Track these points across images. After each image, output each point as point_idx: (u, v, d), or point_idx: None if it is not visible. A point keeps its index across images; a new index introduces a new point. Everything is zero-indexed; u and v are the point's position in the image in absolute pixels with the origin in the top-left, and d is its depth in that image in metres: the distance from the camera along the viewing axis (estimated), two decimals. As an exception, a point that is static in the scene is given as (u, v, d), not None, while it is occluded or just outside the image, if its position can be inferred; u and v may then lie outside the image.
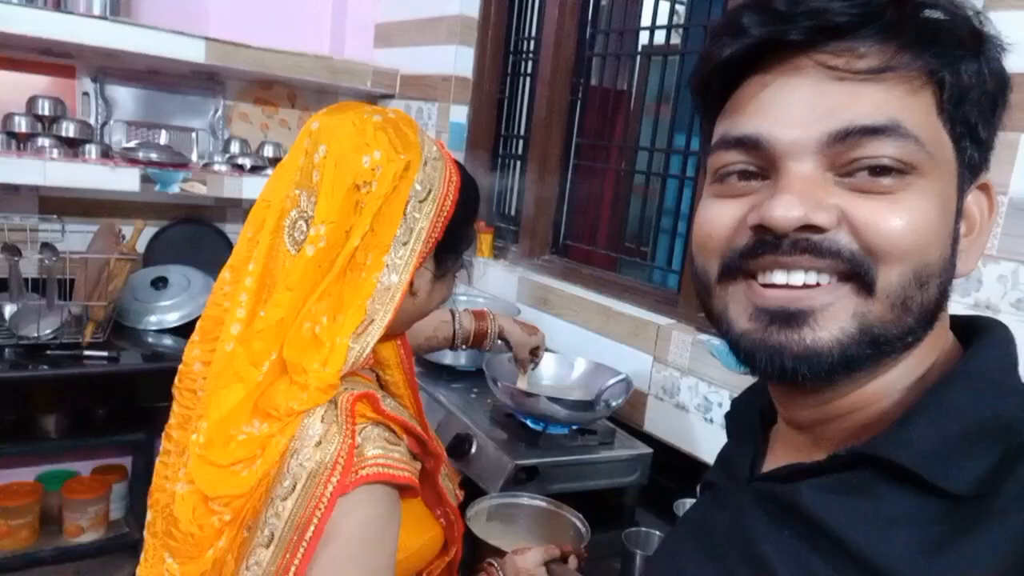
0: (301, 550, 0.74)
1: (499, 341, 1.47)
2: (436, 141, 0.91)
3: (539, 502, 1.23)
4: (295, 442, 0.77)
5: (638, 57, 1.94)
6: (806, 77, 0.47)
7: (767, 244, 0.48)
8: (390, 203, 0.82)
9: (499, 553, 1.06)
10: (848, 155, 0.47)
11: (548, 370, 1.60)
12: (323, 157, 0.82)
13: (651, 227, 1.92)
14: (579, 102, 2.02)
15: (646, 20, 1.90)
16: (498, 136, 2.29)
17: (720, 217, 0.52)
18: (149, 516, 0.90)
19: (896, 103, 0.46)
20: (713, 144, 0.53)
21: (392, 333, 0.97)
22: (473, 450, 1.40)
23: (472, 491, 1.24)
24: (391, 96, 2.48)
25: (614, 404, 1.44)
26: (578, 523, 1.18)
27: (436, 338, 1.38)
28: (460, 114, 2.24)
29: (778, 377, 0.49)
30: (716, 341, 1.45)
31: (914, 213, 0.46)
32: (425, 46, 2.33)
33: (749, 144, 0.49)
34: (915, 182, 0.47)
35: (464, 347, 1.45)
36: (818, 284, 0.48)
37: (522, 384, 1.50)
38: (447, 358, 1.75)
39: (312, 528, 0.74)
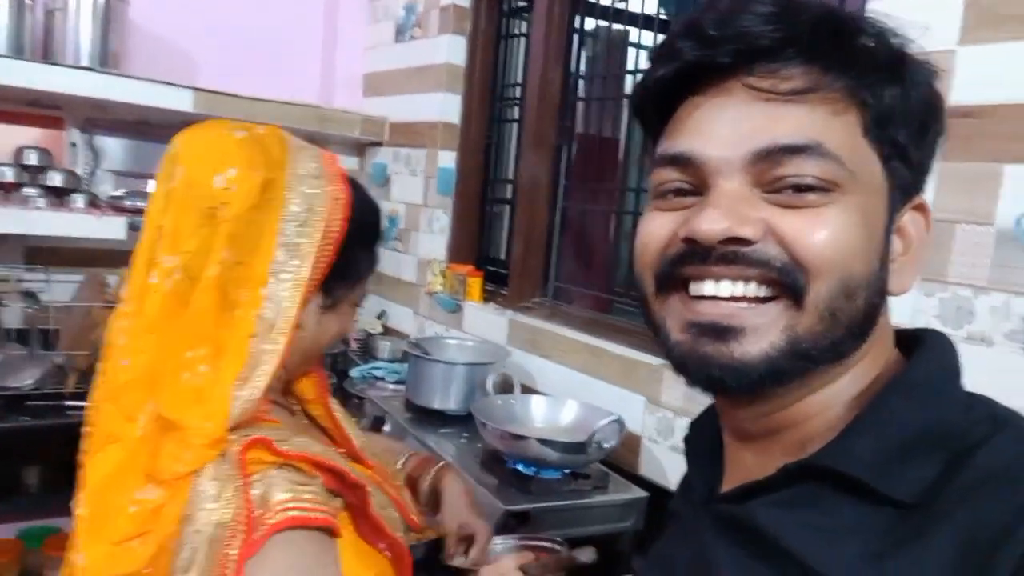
0: None
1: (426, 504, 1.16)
2: (325, 156, 0.84)
3: (511, 540, 1.19)
4: (188, 507, 0.70)
5: (624, 101, 1.97)
6: (734, 98, 0.50)
7: (696, 255, 0.50)
8: (257, 227, 0.75)
9: (475, 573, 1.02)
10: (772, 173, 0.49)
11: (539, 412, 1.58)
12: (178, 180, 0.76)
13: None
14: (565, 146, 2.03)
15: (632, 64, 1.93)
16: (486, 180, 2.30)
17: (656, 229, 0.54)
18: None
19: (818, 124, 0.49)
20: (653, 161, 0.56)
21: (293, 374, 0.91)
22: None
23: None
24: (379, 144, 2.50)
25: (607, 446, 1.41)
26: (553, 545, 1.14)
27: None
28: (448, 159, 2.26)
29: (706, 386, 0.52)
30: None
31: (836, 227, 0.48)
32: (413, 94, 2.37)
33: (682, 162, 0.52)
34: (838, 199, 0.49)
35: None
36: (744, 296, 0.50)
37: (455, 562, 1.12)
38: (435, 402, 1.72)
39: None
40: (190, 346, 0.73)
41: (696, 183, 0.52)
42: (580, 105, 2.02)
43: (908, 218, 0.53)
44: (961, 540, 0.43)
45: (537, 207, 2.04)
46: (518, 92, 2.20)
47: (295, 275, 0.77)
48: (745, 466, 0.57)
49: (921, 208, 0.54)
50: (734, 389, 0.50)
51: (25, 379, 1.82)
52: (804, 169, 0.48)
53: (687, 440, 0.69)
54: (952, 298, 1.09)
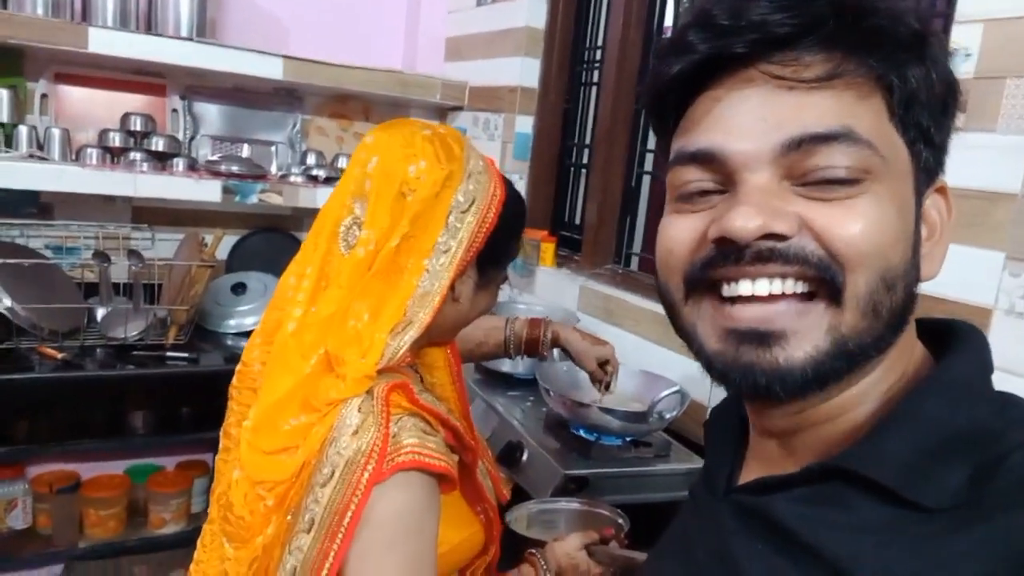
0: (340, 536, 0.77)
1: (556, 350, 1.44)
2: (486, 158, 0.95)
3: (576, 505, 1.23)
4: (333, 431, 0.80)
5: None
6: (755, 89, 0.48)
7: (729, 256, 0.48)
8: (432, 210, 0.87)
9: (540, 545, 1.07)
10: (803, 164, 0.47)
11: (603, 380, 1.58)
12: (374, 167, 0.88)
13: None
14: (645, 110, 2.00)
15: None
16: (563, 146, 2.29)
17: (681, 233, 0.52)
18: (210, 509, 0.95)
19: (846, 109, 0.46)
20: (670, 160, 0.53)
21: (438, 339, 1.00)
22: (524, 458, 1.40)
23: (521, 499, 1.25)
24: (459, 108, 2.53)
25: (668, 416, 1.41)
26: (617, 518, 1.18)
27: (487, 344, 1.39)
28: (526, 124, 2.26)
29: (752, 395, 0.50)
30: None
31: (871, 217, 0.46)
32: (493, 58, 2.37)
33: (705, 159, 0.50)
34: (870, 187, 0.47)
35: (517, 355, 1.43)
36: (784, 294, 0.47)
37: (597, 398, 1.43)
38: (505, 366, 1.76)
39: (349, 514, 0.77)
40: (362, 299, 0.85)
41: (721, 180, 0.50)
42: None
43: (931, 202, 0.51)
44: (998, 547, 0.42)
45: (612, 173, 2.02)
46: (598, 56, 2.17)
47: (452, 253, 0.87)
48: (768, 458, 0.56)
49: (943, 191, 0.52)
50: (781, 397, 0.48)
51: (131, 330, 1.98)
52: (835, 158, 0.46)
53: (707, 426, 0.68)
54: (1040, 278, 1.02)
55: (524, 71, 2.24)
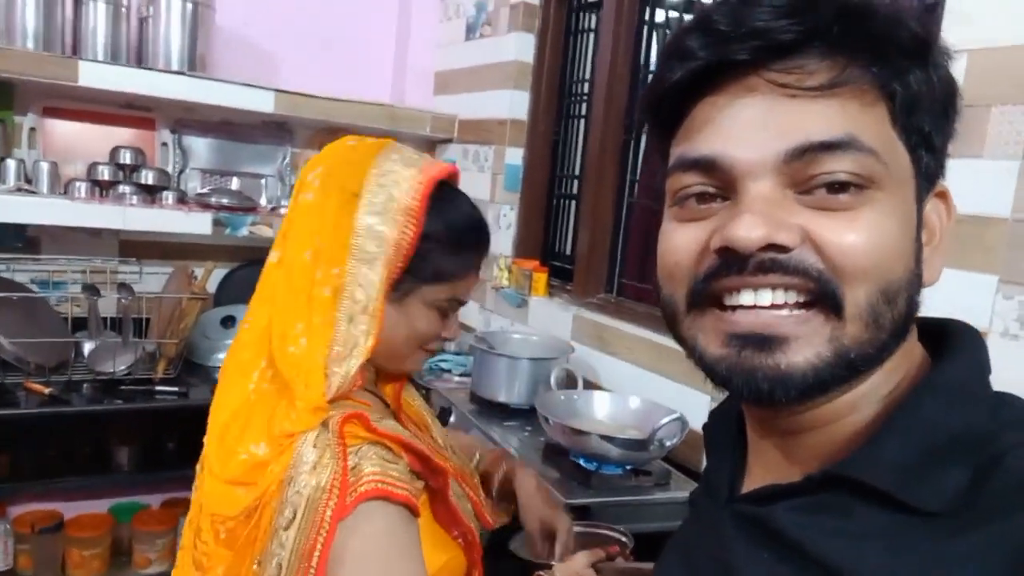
0: None
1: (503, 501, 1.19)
2: (428, 163, 0.89)
3: (578, 528, 1.21)
4: (290, 470, 0.78)
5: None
6: (758, 96, 0.47)
7: (732, 266, 0.48)
8: (335, 215, 0.84)
9: (547, 567, 1.05)
10: (806, 172, 0.46)
11: (601, 408, 1.59)
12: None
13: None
14: (632, 141, 2.03)
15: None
16: (553, 176, 2.32)
17: (684, 243, 0.51)
18: (184, 533, 0.93)
19: (850, 117, 0.46)
20: (670, 166, 0.52)
21: (385, 364, 0.94)
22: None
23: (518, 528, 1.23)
24: (449, 140, 2.55)
25: (668, 444, 1.41)
26: (619, 536, 1.16)
27: None
28: (516, 156, 2.29)
29: (755, 400, 0.49)
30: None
31: (873, 230, 0.46)
32: (482, 91, 2.40)
33: (706, 165, 0.49)
34: (874, 196, 0.46)
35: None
36: (785, 304, 0.47)
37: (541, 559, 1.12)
38: (500, 395, 1.75)
39: (317, 554, 0.74)
40: (294, 320, 0.83)
41: (721, 187, 0.49)
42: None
43: (931, 207, 0.51)
44: (996, 550, 0.42)
45: (603, 203, 2.04)
46: (586, 88, 2.20)
47: (375, 262, 0.83)
48: (769, 464, 0.56)
49: (943, 195, 0.52)
50: (783, 402, 0.48)
51: (119, 365, 1.95)
52: (840, 166, 0.46)
53: (706, 429, 0.67)
54: (1033, 300, 1.04)
55: (513, 104, 2.27)
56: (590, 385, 1.75)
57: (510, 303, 2.19)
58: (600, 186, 2.03)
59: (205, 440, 0.86)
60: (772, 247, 0.46)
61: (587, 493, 1.35)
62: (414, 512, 0.81)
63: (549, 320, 2.06)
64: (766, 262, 0.46)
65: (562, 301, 2.07)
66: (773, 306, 0.47)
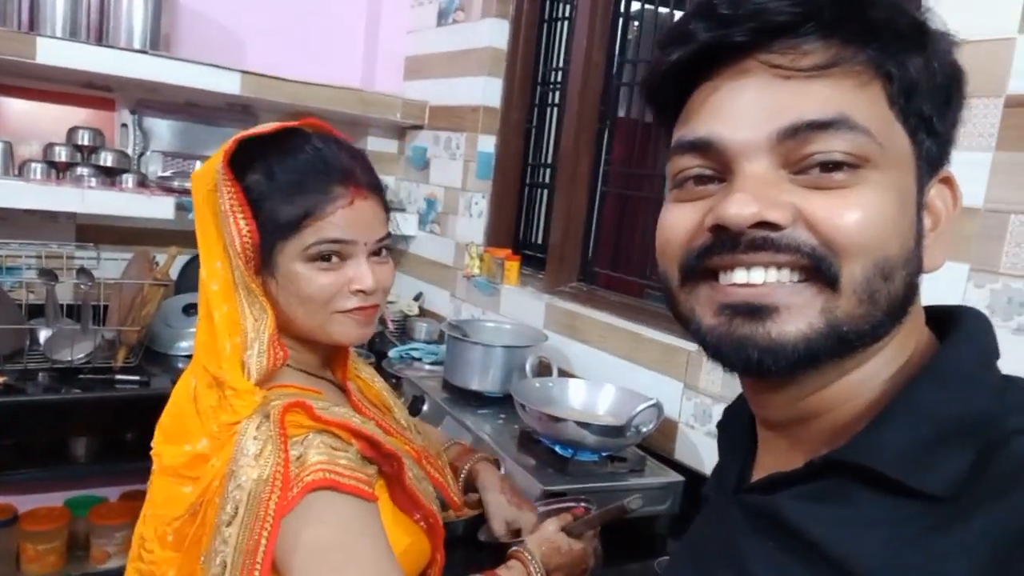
0: (256, 575, 0.72)
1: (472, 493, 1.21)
2: (244, 131, 0.89)
3: (542, 508, 1.21)
4: (231, 464, 0.76)
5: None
6: (753, 78, 0.48)
7: (725, 243, 0.49)
8: (206, 213, 0.88)
9: (519, 544, 1.05)
10: (800, 151, 0.47)
11: (576, 395, 1.58)
12: None
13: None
14: (606, 131, 2.03)
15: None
16: (525, 165, 2.30)
17: (679, 221, 0.52)
18: (132, 544, 0.92)
19: (844, 97, 0.47)
20: (670, 149, 0.54)
21: (320, 340, 0.92)
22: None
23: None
24: (420, 127, 2.52)
25: (644, 430, 1.42)
26: (582, 501, 1.18)
27: None
28: (488, 144, 2.27)
29: (744, 369, 0.50)
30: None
31: (868, 207, 0.47)
32: (454, 78, 2.37)
33: (703, 147, 0.50)
34: (869, 175, 0.47)
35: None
36: (778, 282, 0.48)
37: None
38: (474, 383, 1.74)
39: (261, 551, 0.72)
40: (206, 323, 0.88)
41: (719, 168, 0.50)
42: (623, 89, 2.01)
43: (935, 192, 0.52)
44: (993, 534, 0.42)
45: (576, 192, 2.04)
46: (560, 76, 2.19)
47: (234, 243, 0.85)
48: (776, 454, 0.56)
49: (948, 181, 0.53)
50: (772, 371, 0.48)
51: (77, 353, 1.88)
52: (833, 145, 0.46)
53: (720, 426, 0.68)
54: (1003, 289, 1.07)
55: (486, 91, 2.25)
56: (563, 374, 1.74)
57: (482, 292, 2.17)
58: (574, 175, 2.03)
59: (153, 442, 0.89)
60: (764, 225, 0.47)
61: (564, 479, 1.35)
62: (366, 499, 0.79)
63: (521, 309, 2.05)
64: (758, 240, 0.47)
65: (534, 290, 2.07)
66: (766, 284, 0.48)
